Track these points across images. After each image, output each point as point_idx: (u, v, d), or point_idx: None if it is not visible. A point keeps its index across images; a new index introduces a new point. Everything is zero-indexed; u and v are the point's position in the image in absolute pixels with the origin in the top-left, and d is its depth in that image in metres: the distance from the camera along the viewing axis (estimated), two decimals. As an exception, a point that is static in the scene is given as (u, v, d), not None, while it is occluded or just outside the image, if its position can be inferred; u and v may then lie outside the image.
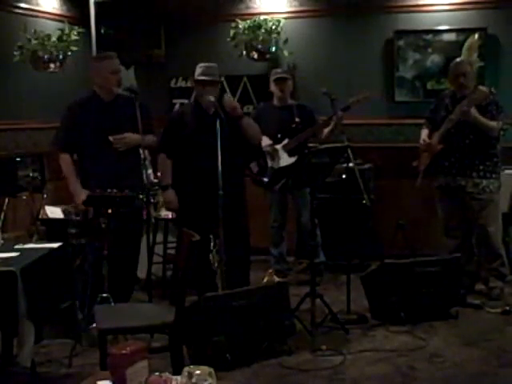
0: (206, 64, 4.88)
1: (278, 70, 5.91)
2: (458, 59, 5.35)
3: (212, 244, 4.88)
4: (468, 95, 5.05)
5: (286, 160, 5.69)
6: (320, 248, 5.95)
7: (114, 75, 4.63)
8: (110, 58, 4.71)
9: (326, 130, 5.65)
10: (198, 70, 4.85)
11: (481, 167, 5.12)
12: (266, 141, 5.71)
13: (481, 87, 5.18)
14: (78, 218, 5.13)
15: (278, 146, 5.72)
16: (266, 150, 5.69)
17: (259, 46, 6.45)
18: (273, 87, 5.85)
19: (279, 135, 5.72)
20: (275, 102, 5.88)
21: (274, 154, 5.72)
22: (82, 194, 4.53)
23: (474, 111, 4.97)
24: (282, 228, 5.94)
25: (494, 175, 5.14)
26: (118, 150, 4.62)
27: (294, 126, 5.68)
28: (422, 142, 5.34)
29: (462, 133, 5.10)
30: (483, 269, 5.32)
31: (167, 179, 4.91)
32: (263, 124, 5.75)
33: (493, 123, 5.03)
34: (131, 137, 4.63)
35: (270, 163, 5.73)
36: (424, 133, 5.38)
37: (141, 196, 4.48)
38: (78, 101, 4.75)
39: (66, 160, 4.67)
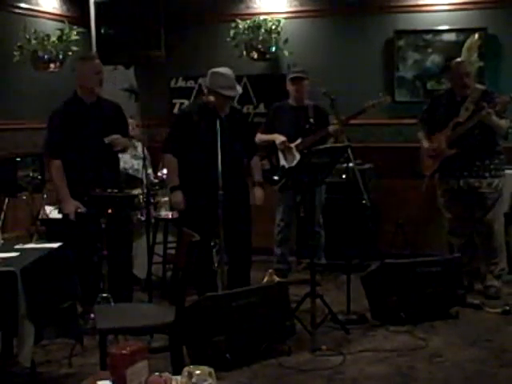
0: (228, 73, 4.77)
1: (296, 69, 5.83)
2: (458, 59, 5.36)
3: (212, 244, 4.88)
4: (470, 96, 5.06)
5: (297, 160, 5.67)
6: (322, 250, 5.94)
7: (97, 76, 4.73)
8: (92, 58, 4.85)
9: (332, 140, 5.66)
10: (221, 80, 4.73)
11: (491, 166, 5.16)
12: (279, 138, 5.70)
13: (478, 86, 5.20)
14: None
15: (292, 145, 5.71)
16: (279, 148, 5.70)
17: (259, 46, 6.46)
18: (289, 86, 5.83)
19: (291, 136, 5.70)
20: (291, 101, 5.87)
21: (287, 153, 5.70)
22: (70, 206, 4.61)
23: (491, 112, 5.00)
24: (288, 227, 5.92)
25: (501, 173, 5.21)
26: (100, 152, 4.71)
27: (307, 126, 5.66)
28: (426, 146, 5.32)
29: (470, 135, 5.10)
30: (482, 266, 5.33)
31: (175, 180, 4.88)
32: (278, 123, 5.77)
33: (503, 122, 5.07)
34: (122, 139, 4.79)
35: (282, 162, 5.72)
36: (422, 136, 5.38)
37: (115, 190, 4.60)
38: (61, 105, 4.81)
39: (57, 166, 4.69)
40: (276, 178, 5.66)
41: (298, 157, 5.66)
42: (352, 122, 5.63)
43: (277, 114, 5.86)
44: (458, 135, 5.12)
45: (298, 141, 5.70)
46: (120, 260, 4.72)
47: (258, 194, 4.99)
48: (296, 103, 5.83)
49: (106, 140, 4.68)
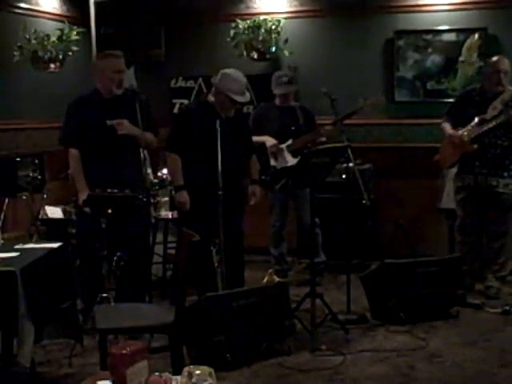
0: (240, 78, 4.78)
1: (284, 80, 5.77)
2: (497, 56, 5.23)
3: (212, 244, 4.88)
4: (501, 95, 5.04)
5: (289, 160, 5.68)
6: (320, 248, 5.95)
7: (116, 74, 4.57)
8: (115, 56, 4.64)
9: (326, 128, 5.63)
10: (233, 84, 4.73)
11: (511, 167, 5.14)
12: (271, 140, 5.70)
13: (510, 88, 5.11)
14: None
15: (283, 146, 5.72)
16: (269, 151, 5.70)
17: (259, 46, 6.46)
18: (275, 91, 5.84)
19: (281, 137, 5.71)
20: (277, 102, 5.89)
21: (278, 154, 5.71)
22: (85, 195, 4.53)
23: None
24: (283, 228, 5.94)
25: None
26: (117, 146, 4.58)
27: (293, 128, 5.67)
28: (449, 132, 5.26)
29: (494, 134, 5.09)
30: (485, 266, 5.32)
31: (180, 179, 4.86)
32: (265, 124, 5.77)
33: None
34: (129, 124, 4.57)
35: (272, 162, 5.73)
36: (448, 126, 5.32)
37: (140, 196, 4.47)
38: (80, 97, 4.74)
39: (75, 156, 4.63)
40: (263, 177, 5.65)
41: (289, 157, 5.68)
42: (352, 121, 5.62)
43: (264, 115, 5.87)
44: (482, 132, 5.09)
45: (289, 141, 5.71)
46: (137, 259, 4.67)
47: (256, 191, 5.00)
48: (282, 104, 5.85)
49: (109, 122, 4.54)
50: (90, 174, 4.61)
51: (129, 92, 4.68)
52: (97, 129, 4.58)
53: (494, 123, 5.05)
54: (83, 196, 4.52)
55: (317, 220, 5.90)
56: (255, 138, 5.67)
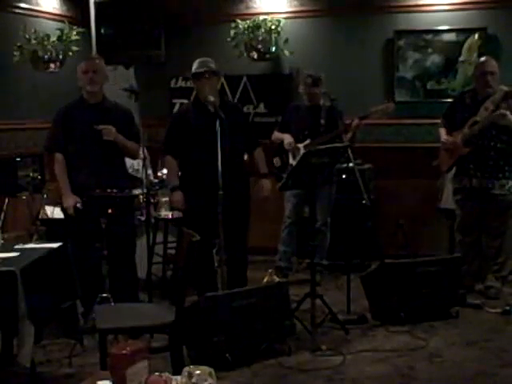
0: (201, 59, 4.94)
1: (308, 81, 5.72)
2: (484, 58, 5.25)
3: (212, 244, 4.88)
4: (492, 95, 5.03)
5: None
6: (326, 250, 5.91)
7: (85, 75, 4.72)
8: (87, 59, 4.88)
9: (348, 136, 5.54)
10: (194, 65, 4.92)
11: (506, 168, 5.13)
12: (288, 138, 5.71)
13: (503, 87, 5.09)
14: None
15: (300, 145, 5.70)
16: (286, 148, 5.70)
17: (259, 46, 6.46)
18: (302, 91, 5.82)
19: (301, 136, 5.70)
20: (306, 101, 5.86)
21: (296, 153, 5.71)
22: (70, 200, 4.60)
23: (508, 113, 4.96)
24: (295, 225, 5.88)
25: None
26: (102, 149, 4.65)
27: (321, 129, 5.62)
28: (444, 140, 5.28)
29: (488, 135, 5.08)
30: (485, 265, 5.32)
31: (174, 180, 4.93)
32: (292, 122, 5.77)
33: None
34: (115, 131, 4.66)
35: (291, 160, 5.73)
36: (443, 131, 5.33)
37: (141, 196, 4.51)
38: (66, 105, 4.85)
39: (57, 160, 4.72)
40: (284, 175, 5.66)
41: None
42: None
43: (292, 114, 5.88)
44: (473, 134, 5.09)
45: (307, 141, 5.69)
46: (123, 260, 4.70)
47: (265, 185, 5.00)
48: (310, 103, 5.81)
49: (96, 127, 4.61)
50: (74, 179, 4.68)
51: (114, 101, 4.83)
52: (83, 133, 4.67)
53: (482, 124, 5.03)
54: (67, 199, 4.61)
55: (328, 219, 5.87)
56: (278, 136, 5.74)
